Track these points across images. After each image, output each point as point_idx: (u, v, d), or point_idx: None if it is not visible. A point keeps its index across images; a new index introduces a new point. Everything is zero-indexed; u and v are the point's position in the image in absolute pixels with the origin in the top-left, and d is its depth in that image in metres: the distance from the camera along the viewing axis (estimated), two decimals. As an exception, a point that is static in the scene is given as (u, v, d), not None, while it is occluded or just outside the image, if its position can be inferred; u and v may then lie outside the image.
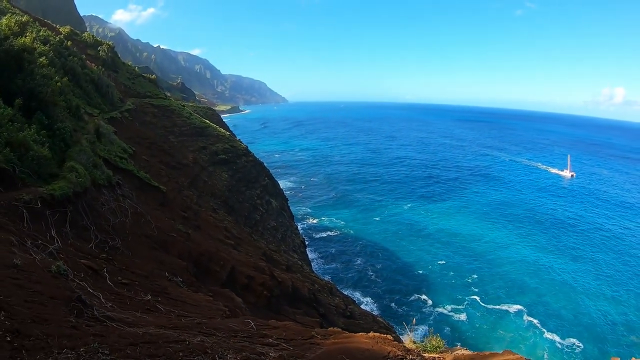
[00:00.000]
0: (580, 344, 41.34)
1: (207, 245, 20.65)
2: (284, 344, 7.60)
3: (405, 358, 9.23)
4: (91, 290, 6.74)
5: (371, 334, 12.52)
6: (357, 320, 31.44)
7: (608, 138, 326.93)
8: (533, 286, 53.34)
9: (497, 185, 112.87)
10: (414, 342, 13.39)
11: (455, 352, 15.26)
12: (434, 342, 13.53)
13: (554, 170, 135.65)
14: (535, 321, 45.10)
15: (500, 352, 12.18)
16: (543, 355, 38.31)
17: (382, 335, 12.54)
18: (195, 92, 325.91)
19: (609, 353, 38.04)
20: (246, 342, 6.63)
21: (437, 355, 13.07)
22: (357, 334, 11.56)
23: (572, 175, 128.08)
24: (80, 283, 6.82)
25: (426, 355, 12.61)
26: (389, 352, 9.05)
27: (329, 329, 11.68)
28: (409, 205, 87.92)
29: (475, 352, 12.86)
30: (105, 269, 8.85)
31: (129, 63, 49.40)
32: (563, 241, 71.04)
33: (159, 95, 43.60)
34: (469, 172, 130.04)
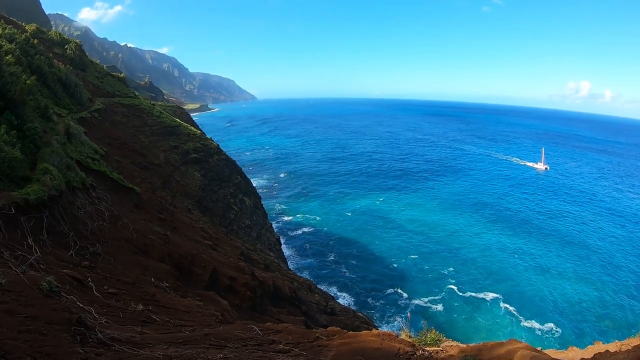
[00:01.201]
0: (559, 329, 42.22)
1: (187, 247, 19.80)
2: (295, 350, 7.11)
3: (415, 354, 8.85)
4: (81, 305, 5.99)
5: (374, 331, 12.07)
6: (338, 317, 31.08)
7: (575, 130, 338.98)
8: (508, 274, 54.26)
9: (468, 178, 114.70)
10: (410, 337, 13.04)
11: (458, 345, 14.96)
12: (432, 336, 13.23)
13: (528, 163, 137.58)
14: (512, 308, 45.85)
15: (506, 340, 11.96)
16: (522, 339, 38.92)
17: (386, 332, 12.09)
18: (164, 91, 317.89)
19: (587, 337, 39.03)
20: (260, 352, 6.07)
21: (439, 349, 12.74)
22: (362, 333, 11.08)
23: (546, 168, 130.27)
24: (69, 297, 6.06)
25: (430, 349, 12.25)
26: (399, 349, 8.65)
27: (328, 328, 11.18)
28: (380, 199, 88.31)
29: (482, 343, 12.59)
30: (89, 279, 8.06)
31: (97, 62, 47.39)
32: (536, 230, 72.74)
33: (128, 94, 41.88)
34: (439, 164, 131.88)
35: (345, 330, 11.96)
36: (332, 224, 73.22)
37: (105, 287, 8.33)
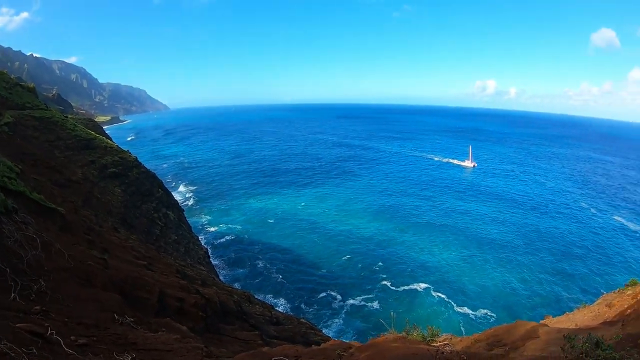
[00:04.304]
0: (493, 314, 43.99)
1: (127, 270, 17.12)
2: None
3: (444, 352, 7.96)
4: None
5: (385, 336, 10.86)
6: (285, 326, 29.42)
7: (484, 125, 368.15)
8: (436, 266, 55.92)
9: (391, 177, 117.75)
10: (408, 335, 12.09)
11: (454, 337, 14.22)
12: (432, 332, 12.39)
13: (454, 161, 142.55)
14: (444, 296, 47.14)
15: (513, 322, 11.35)
16: (459, 328, 39.95)
17: (399, 335, 10.93)
18: (73, 104, 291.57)
19: (522, 316, 40.89)
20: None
21: (443, 342, 11.91)
22: (377, 340, 9.97)
23: (474, 165, 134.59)
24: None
25: (440, 343, 11.36)
26: (428, 350, 7.86)
27: (333, 341, 9.83)
28: (303, 203, 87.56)
29: (492, 329, 11.88)
30: (50, 329, 5.94)
31: (5, 72, 41.19)
32: (461, 223, 76.18)
33: (39, 106, 36.42)
34: (357, 165, 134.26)
35: (353, 343, 10.61)
36: (256, 231, 71.12)
37: (71, 337, 6.21)
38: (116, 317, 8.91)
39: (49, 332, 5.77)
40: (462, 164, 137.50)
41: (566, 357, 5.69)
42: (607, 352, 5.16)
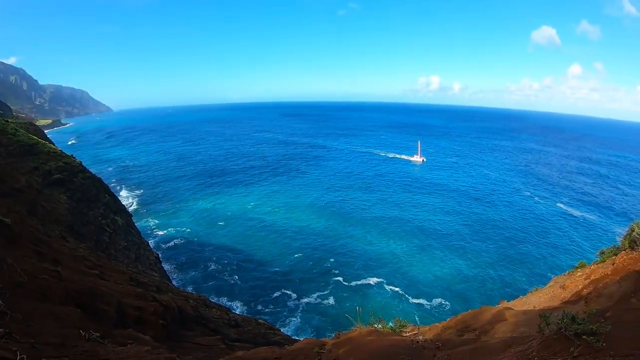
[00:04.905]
0: (447, 302, 45.42)
1: (81, 281, 16.28)
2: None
3: (419, 341, 8.16)
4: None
5: (358, 329, 10.98)
6: (245, 328, 29.03)
7: (429, 120, 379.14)
8: (386, 260, 57.10)
9: (339, 172, 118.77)
10: (378, 328, 12.29)
11: (420, 327, 14.61)
12: (400, 323, 12.65)
13: (402, 156, 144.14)
14: (397, 289, 48.18)
15: (478, 308, 11.80)
16: (414, 318, 40.96)
17: (370, 328, 11.06)
18: (12, 107, 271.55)
19: (475, 302, 42.51)
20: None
21: (413, 333, 12.20)
22: (352, 334, 10.03)
23: (423, 160, 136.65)
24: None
25: (410, 334, 11.63)
26: (409, 340, 8.11)
27: (306, 339, 9.88)
28: (251, 203, 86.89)
29: (461, 315, 12.29)
30: (19, 354, 5.65)
31: None
32: (408, 215, 78.16)
33: None
34: (305, 161, 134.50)
35: (325, 340, 10.62)
36: (206, 232, 69.99)
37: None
38: (82, 332, 8.49)
39: (19, 357, 5.46)
40: (411, 159, 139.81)
41: (544, 334, 6.14)
42: (582, 325, 5.60)
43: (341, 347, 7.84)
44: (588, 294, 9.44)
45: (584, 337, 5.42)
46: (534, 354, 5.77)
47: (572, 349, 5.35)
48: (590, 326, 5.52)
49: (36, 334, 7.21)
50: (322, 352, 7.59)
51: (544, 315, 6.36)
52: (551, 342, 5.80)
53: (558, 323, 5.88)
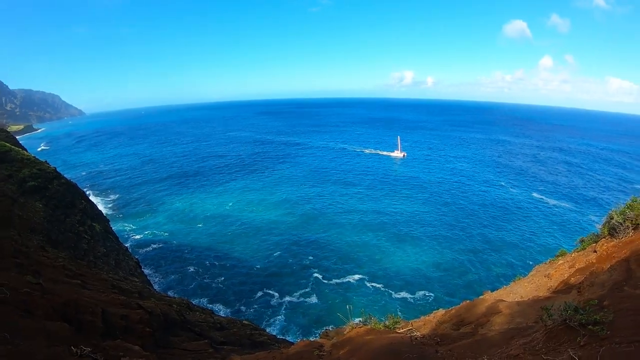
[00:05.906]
0: (431, 294, 45.85)
1: (65, 292, 15.80)
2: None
3: (417, 338, 8.21)
4: None
5: (356, 329, 10.92)
6: (230, 330, 28.71)
7: (403, 114, 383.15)
8: (367, 256, 57.23)
9: (315, 169, 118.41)
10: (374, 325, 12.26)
11: (412, 322, 14.61)
12: (393, 320, 12.65)
13: (383, 152, 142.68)
14: (379, 285, 48.47)
15: (471, 301, 11.89)
16: (397, 311, 41.26)
17: (365, 327, 11.03)
18: None
19: (459, 293, 43.07)
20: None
21: (408, 329, 12.21)
22: (350, 334, 10.00)
23: (403, 155, 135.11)
24: None
25: (404, 330, 11.65)
26: (408, 338, 8.15)
27: (302, 342, 9.81)
28: (230, 203, 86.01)
29: (455, 308, 12.36)
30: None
31: None
32: (387, 208, 78.55)
33: None
34: (280, 159, 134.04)
35: (318, 341, 10.53)
36: (184, 233, 69.02)
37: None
38: (73, 349, 8.20)
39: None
40: (392, 154, 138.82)
41: (547, 325, 6.31)
42: (586, 315, 5.77)
43: (341, 348, 7.83)
44: (579, 283, 9.65)
45: (589, 327, 5.57)
46: (540, 345, 5.91)
47: (578, 338, 5.51)
48: (594, 316, 5.68)
49: (27, 353, 6.92)
50: (322, 355, 7.55)
51: (545, 307, 6.52)
52: (556, 333, 5.97)
53: (562, 314, 6.03)
